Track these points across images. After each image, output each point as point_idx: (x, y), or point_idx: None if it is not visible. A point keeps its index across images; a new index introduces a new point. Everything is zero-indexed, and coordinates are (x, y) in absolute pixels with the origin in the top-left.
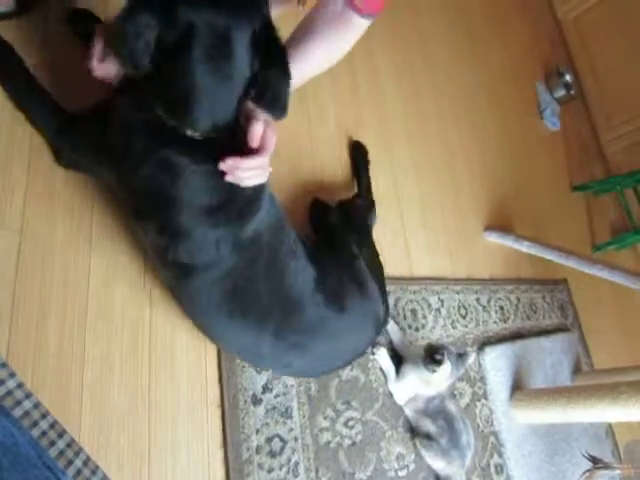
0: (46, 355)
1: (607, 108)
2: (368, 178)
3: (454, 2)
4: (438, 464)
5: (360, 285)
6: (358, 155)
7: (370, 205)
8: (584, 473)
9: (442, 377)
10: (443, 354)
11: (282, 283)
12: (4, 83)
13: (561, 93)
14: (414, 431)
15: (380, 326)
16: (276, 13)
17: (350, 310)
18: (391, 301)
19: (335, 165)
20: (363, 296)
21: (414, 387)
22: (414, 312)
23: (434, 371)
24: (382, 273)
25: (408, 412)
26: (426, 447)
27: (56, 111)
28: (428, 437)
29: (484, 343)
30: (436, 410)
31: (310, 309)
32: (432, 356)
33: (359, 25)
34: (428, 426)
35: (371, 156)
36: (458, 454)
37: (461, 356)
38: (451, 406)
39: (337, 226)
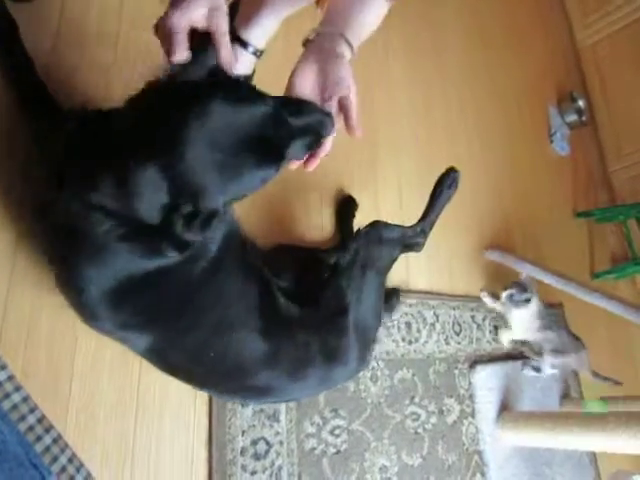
0: (37, 345)
1: (617, 137)
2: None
3: (471, 15)
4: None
5: (329, 356)
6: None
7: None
8: None
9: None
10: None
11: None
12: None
13: (573, 118)
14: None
15: (348, 377)
16: (290, 11)
17: (307, 379)
18: None
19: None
20: (329, 366)
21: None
22: (408, 325)
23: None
24: (375, 324)
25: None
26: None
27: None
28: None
29: (475, 361)
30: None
31: (259, 378)
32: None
33: None
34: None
35: (377, 170)
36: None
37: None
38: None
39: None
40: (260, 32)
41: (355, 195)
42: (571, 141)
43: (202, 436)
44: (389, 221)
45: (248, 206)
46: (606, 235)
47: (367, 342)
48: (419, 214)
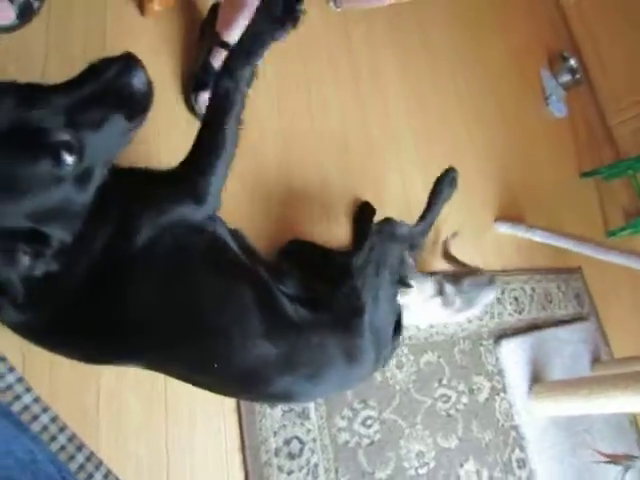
0: (61, 366)
1: (614, 91)
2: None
3: None
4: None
5: (347, 357)
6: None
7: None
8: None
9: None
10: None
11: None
12: None
13: (566, 78)
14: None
15: (365, 378)
16: None
17: (326, 381)
18: None
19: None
20: (348, 367)
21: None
22: None
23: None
24: (389, 323)
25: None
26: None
27: None
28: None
29: (500, 336)
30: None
31: (277, 385)
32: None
33: None
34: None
35: (378, 153)
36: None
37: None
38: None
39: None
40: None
41: (360, 194)
42: (568, 101)
43: (234, 441)
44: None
45: (251, 213)
46: (616, 192)
47: (381, 342)
48: (422, 190)
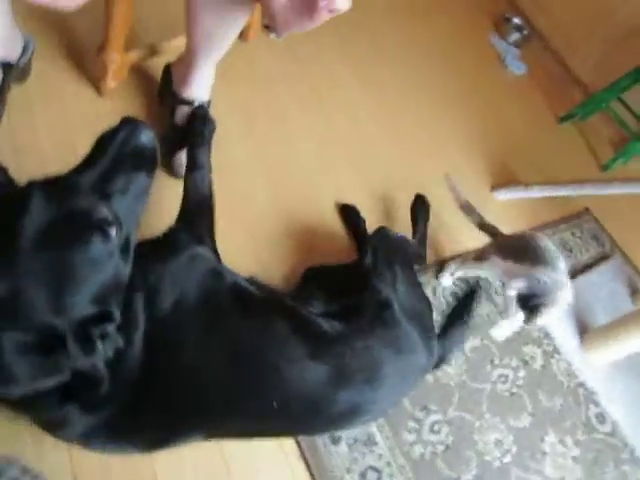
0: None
1: (564, 34)
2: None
3: None
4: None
5: (394, 348)
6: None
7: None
8: None
9: None
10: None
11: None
12: None
13: (515, 37)
14: None
15: (430, 365)
16: (220, 55)
17: (385, 381)
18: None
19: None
20: (400, 358)
21: None
22: (455, 295)
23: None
24: (425, 307)
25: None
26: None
27: None
28: None
29: None
30: None
31: (340, 401)
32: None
33: None
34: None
35: (359, 163)
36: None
37: None
38: None
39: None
40: (200, 85)
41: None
42: (524, 58)
43: None
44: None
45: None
46: (597, 127)
47: (423, 327)
48: (415, 183)
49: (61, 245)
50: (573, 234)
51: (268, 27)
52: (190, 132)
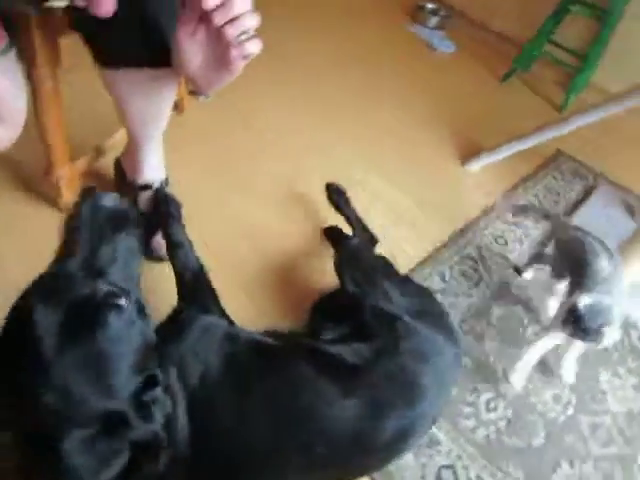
0: None
1: (478, 2)
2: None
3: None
4: None
5: (424, 355)
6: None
7: (369, 238)
8: None
9: None
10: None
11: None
12: None
13: (435, 21)
14: None
15: (460, 353)
16: (161, 131)
17: (424, 393)
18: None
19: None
20: (433, 361)
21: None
22: (464, 273)
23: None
24: (427, 300)
25: None
26: None
27: None
28: None
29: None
30: None
31: (386, 431)
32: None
33: None
34: None
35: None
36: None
37: None
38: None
39: (350, 297)
40: (152, 167)
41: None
42: (451, 37)
43: None
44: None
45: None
46: (540, 74)
47: (439, 319)
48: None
49: (83, 337)
50: (555, 178)
51: (194, 92)
52: (158, 215)
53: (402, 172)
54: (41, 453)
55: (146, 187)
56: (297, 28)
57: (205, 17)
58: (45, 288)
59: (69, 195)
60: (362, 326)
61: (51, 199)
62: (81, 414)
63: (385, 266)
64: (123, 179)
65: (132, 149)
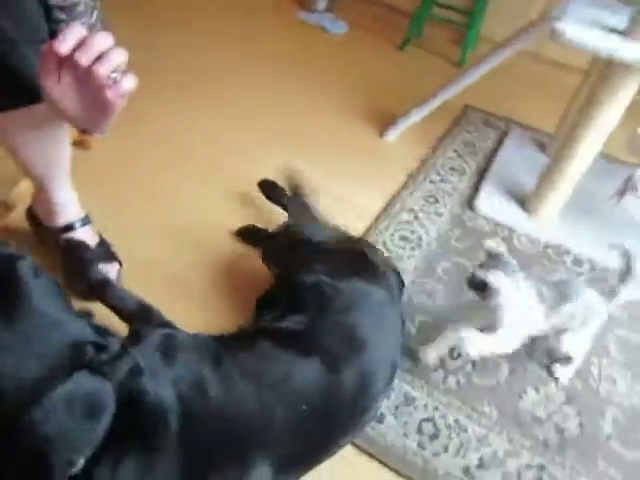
0: None
1: None
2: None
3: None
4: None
5: (356, 307)
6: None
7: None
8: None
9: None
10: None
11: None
12: None
13: (322, 4)
14: None
15: (397, 291)
16: (67, 171)
17: (370, 341)
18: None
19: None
20: (364, 310)
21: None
22: (404, 238)
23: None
24: (348, 252)
25: None
26: None
27: None
28: None
29: (469, 200)
30: None
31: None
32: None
33: None
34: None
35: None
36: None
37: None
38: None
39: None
40: (67, 206)
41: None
42: (342, 17)
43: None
44: None
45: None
46: (433, 36)
47: (361, 267)
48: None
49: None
50: (468, 131)
51: (85, 131)
52: (75, 260)
53: (326, 156)
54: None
55: (67, 228)
56: (186, 35)
57: (68, 61)
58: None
59: None
60: (293, 301)
61: None
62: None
63: (305, 240)
64: (40, 227)
65: (41, 195)
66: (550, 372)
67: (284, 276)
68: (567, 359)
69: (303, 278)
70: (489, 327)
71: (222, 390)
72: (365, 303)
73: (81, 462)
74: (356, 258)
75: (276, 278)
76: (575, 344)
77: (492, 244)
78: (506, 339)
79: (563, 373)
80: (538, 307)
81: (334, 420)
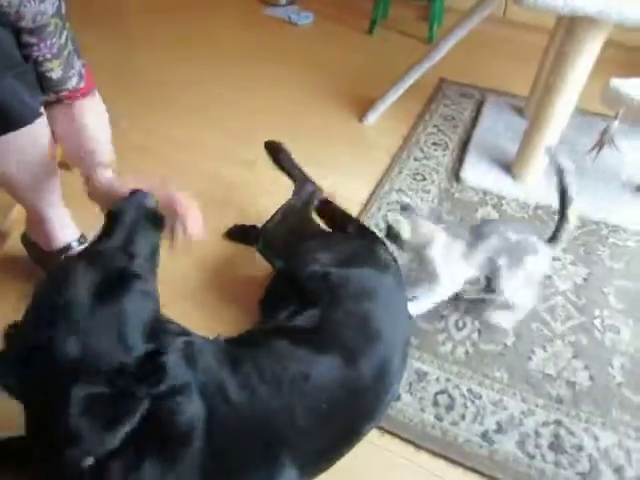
0: None
1: None
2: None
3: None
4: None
5: (366, 295)
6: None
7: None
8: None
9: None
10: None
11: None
12: None
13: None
14: None
15: (398, 271)
16: (59, 194)
17: (383, 327)
18: None
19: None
20: (374, 298)
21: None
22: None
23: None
24: (354, 242)
25: None
26: None
27: None
28: None
29: (456, 174)
30: None
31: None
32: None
33: None
34: None
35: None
36: None
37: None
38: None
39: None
40: (64, 227)
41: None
42: (306, 8)
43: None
44: None
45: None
46: (401, 16)
47: (363, 258)
48: None
49: (112, 299)
50: (445, 105)
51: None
52: None
53: (308, 148)
54: (49, 403)
55: (64, 250)
56: (157, 50)
57: None
58: (86, 257)
59: None
60: (303, 294)
61: None
62: (95, 365)
63: (306, 229)
64: (38, 251)
65: (35, 219)
66: (489, 319)
67: (287, 269)
68: (505, 304)
69: (311, 269)
70: (431, 280)
71: (244, 394)
72: (375, 290)
73: (90, 460)
74: (358, 244)
75: (278, 271)
76: (511, 286)
77: (406, 199)
78: (441, 287)
79: (502, 318)
80: (457, 249)
81: (356, 411)
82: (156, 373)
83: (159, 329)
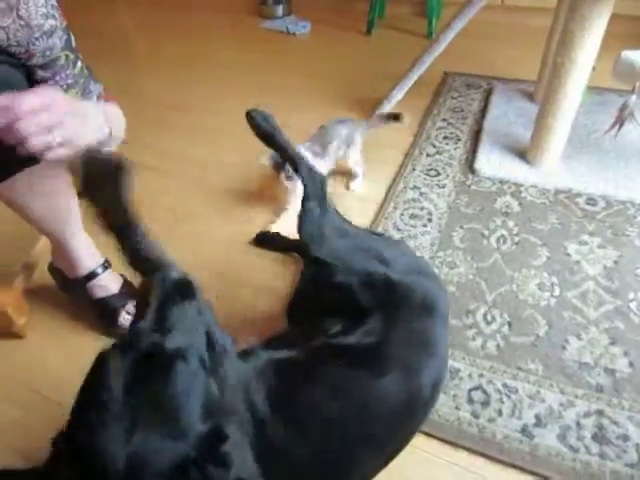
0: None
1: None
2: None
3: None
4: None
5: (425, 309)
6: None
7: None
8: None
9: None
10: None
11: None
12: None
13: (280, 10)
14: None
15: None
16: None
17: (441, 341)
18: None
19: None
20: (434, 312)
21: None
22: (414, 216)
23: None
24: (401, 247)
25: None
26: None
27: None
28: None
29: (470, 166)
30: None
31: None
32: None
33: None
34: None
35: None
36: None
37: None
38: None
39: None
40: (88, 255)
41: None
42: (302, 17)
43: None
44: None
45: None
46: (397, 13)
47: (421, 267)
48: None
49: (152, 385)
50: (453, 97)
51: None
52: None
53: None
54: None
55: (90, 277)
56: (163, 77)
57: None
58: (121, 342)
59: (21, 320)
60: (355, 302)
61: (5, 332)
62: (151, 463)
63: (346, 228)
64: (65, 280)
65: (59, 249)
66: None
67: (330, 273)
68: (355, 174)
69: (369, 269)
70: None
71: (292, 438)
72: (431, 302)
73: None
74: (400, 248)
75: (309, 275)
76: (353, 160)
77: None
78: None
79: (356, 185)
80: (319, 160)
81: (415, 424)
82: (223, 465)
83: (213, 407)
